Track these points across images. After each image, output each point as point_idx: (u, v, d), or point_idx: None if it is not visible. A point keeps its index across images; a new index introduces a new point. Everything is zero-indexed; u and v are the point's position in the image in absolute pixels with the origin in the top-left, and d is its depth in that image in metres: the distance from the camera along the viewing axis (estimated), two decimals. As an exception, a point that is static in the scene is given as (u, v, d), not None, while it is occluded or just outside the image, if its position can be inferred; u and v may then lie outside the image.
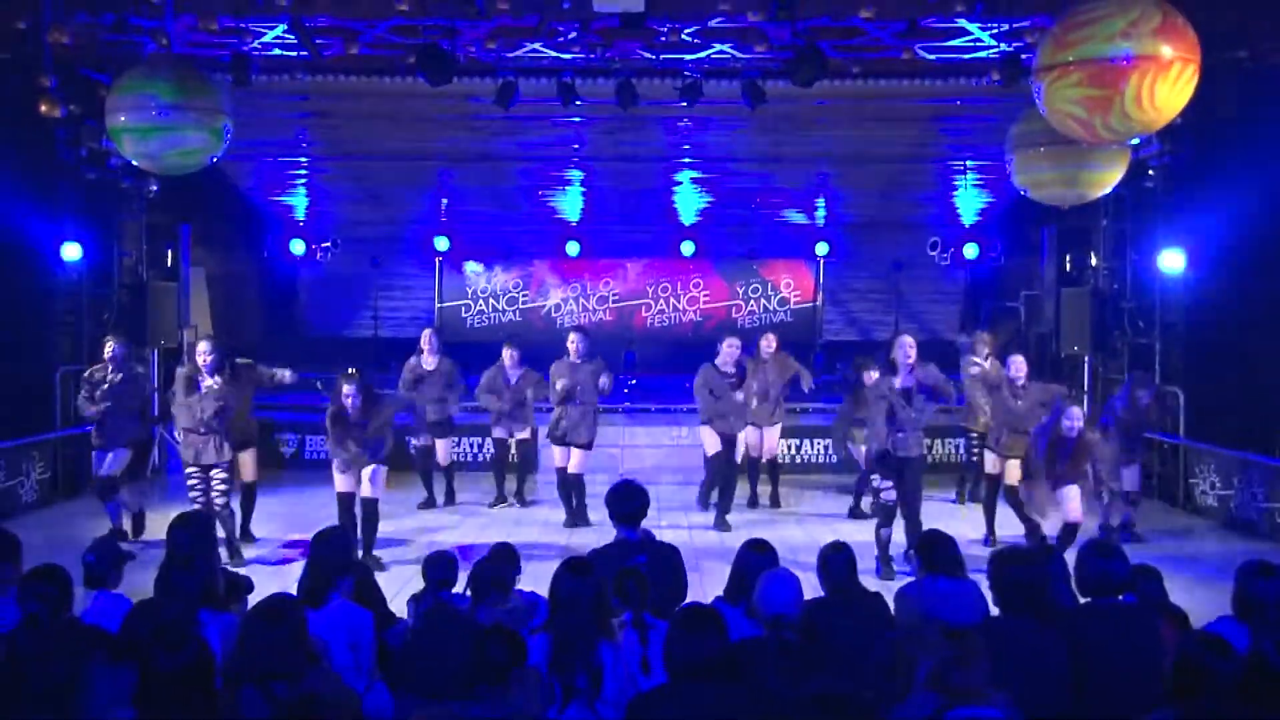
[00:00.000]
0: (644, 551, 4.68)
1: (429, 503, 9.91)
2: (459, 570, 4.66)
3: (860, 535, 8.09)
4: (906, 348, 7.39)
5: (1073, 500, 7.41)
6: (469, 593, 4.37)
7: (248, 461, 8.39)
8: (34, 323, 9.98)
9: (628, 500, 4.95)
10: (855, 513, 9.45)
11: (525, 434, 10.07)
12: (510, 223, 15.85)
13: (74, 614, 4.02)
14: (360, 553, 7.29)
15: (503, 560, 4.49)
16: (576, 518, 8.96)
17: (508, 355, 9.76)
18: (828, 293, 16.45)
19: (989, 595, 3.95)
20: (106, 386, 8.29)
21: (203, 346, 7.76)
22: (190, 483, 7.69)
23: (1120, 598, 3.94)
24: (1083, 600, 4.05)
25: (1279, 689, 2.98)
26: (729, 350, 9.17)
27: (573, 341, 9.18)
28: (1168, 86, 5.91)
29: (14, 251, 9.78)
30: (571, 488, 9.04)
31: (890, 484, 7.44)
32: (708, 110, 11.23)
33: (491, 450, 10.54)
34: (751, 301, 16.55)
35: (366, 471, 7.62)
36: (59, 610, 3.88)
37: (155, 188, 11.44)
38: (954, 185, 14.59)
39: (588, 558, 4.06)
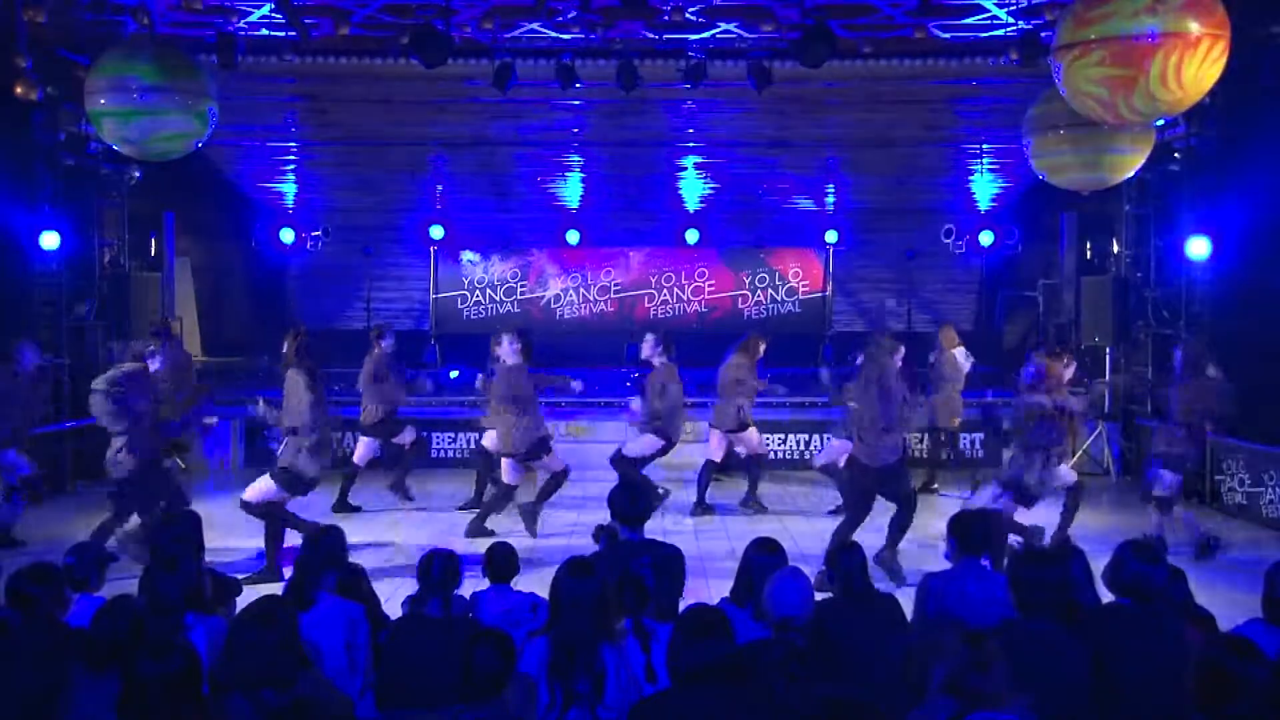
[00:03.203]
0: (647, 553, 4.67)
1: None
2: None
3: (874, 537, 8.09)
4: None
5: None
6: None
7: None
8: (10, 315, 9.93)
9: (633, 501, 4.93)
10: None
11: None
12: (508, 210, 15.85)
13: (59, 619, 4.02)
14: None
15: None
16: None
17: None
18: (838, 282, 16.42)
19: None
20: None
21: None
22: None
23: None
24: (1106, 600, 4.04)
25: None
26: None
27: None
28: (1195, 65, 5.86)
29: (-11, 241, 9.77)
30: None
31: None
32: (713, 93, 11.22)
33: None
34: (759, 292, 16.52)
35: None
36: (49, 611, 3.88)
37: (138, 174, 11.45)
38: (969, 170, 14.56)
39: (590, 559, 4.05)
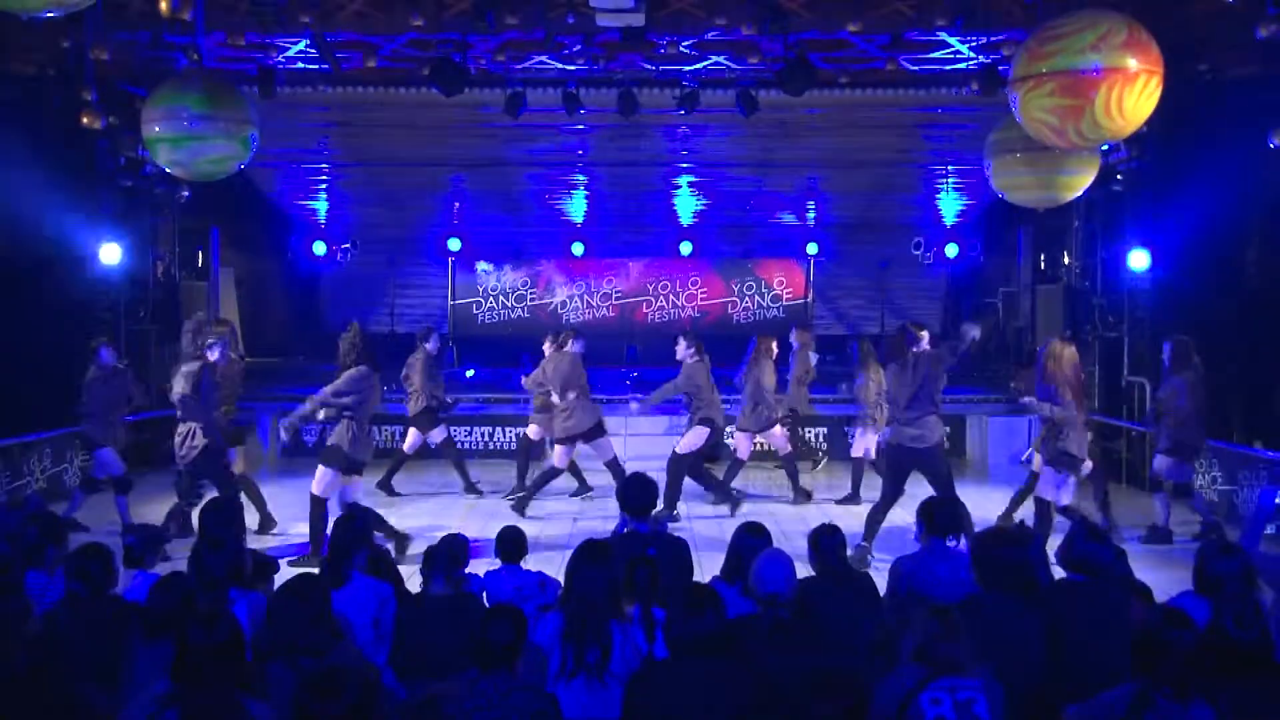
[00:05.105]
0: (653, 544, 4.62)
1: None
2: (468, 553, 4.60)
3: (854, 521, 8.09)
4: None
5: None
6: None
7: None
8: (76, 320, 10.03)
9: (640, 492, 4.87)
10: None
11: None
12: (519, 225, 15.85)
13: (117, 592, 4.03)
14: None
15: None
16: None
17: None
18: (818, 290, 16.41)
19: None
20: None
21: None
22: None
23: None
24: (1059, 576, 4.05)
25: (1236, 661, 2.98)
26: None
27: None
28: (1134, 97, 5.92)
29: (57, 254, 9.84)
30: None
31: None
32: (704, 118, 11.23)
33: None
34: (746, 299, 16.52)
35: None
36: (102, 588, 3.89)
37: (187, 193, 11.46)
38: (936, 189, 14.57)
39: (604, 542, 4.00)
